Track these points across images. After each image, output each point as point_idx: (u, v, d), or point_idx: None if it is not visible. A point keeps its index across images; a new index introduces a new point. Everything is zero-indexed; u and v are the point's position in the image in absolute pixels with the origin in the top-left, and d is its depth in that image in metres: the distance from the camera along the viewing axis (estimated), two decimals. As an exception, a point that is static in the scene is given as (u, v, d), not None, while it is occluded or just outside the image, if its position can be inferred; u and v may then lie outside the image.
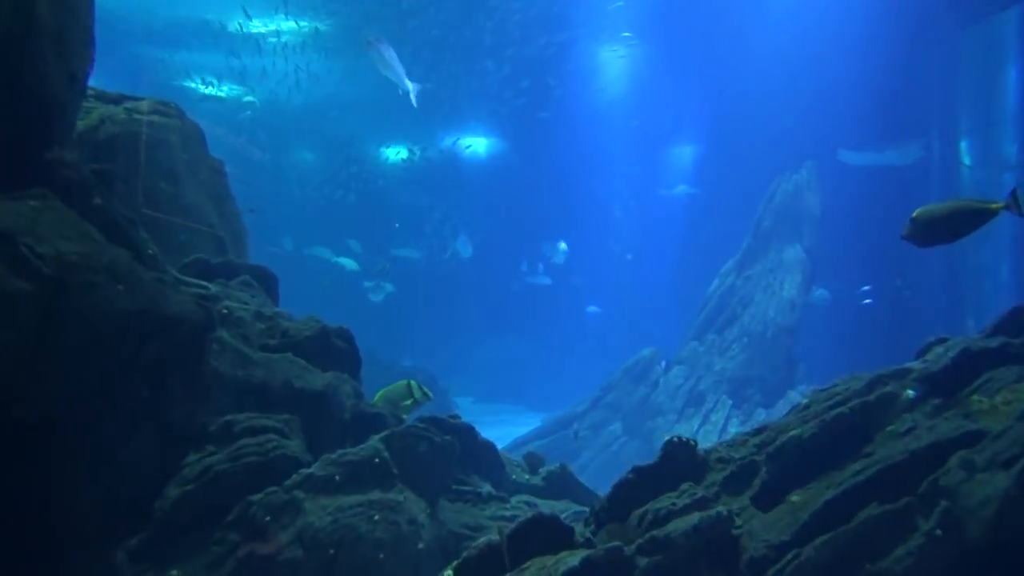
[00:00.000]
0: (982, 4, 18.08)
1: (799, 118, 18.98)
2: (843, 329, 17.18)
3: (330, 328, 6.27)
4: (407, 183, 30.19)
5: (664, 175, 26.40)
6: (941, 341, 5.94)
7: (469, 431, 7.88)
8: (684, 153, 26.64)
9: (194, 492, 4.68)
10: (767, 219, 16.31)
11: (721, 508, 4.45)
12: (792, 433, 4.86)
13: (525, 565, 4.00)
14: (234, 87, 25.36)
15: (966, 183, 21.39)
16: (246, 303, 6.00)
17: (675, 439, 4.95)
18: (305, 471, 5.34)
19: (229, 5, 19.26)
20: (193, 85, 25.33)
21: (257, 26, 20.35)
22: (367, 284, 21.82)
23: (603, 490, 13.15)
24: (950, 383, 5.01)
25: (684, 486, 4.75)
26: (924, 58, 19.23)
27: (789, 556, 4.20)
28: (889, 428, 4.82)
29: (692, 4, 19.03)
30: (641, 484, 4.81)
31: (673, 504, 4.57)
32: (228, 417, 5.07)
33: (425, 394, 8.00)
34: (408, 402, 7.78)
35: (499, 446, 17.27)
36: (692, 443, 4.99)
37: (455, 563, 3.96)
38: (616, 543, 4.12)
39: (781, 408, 13.95)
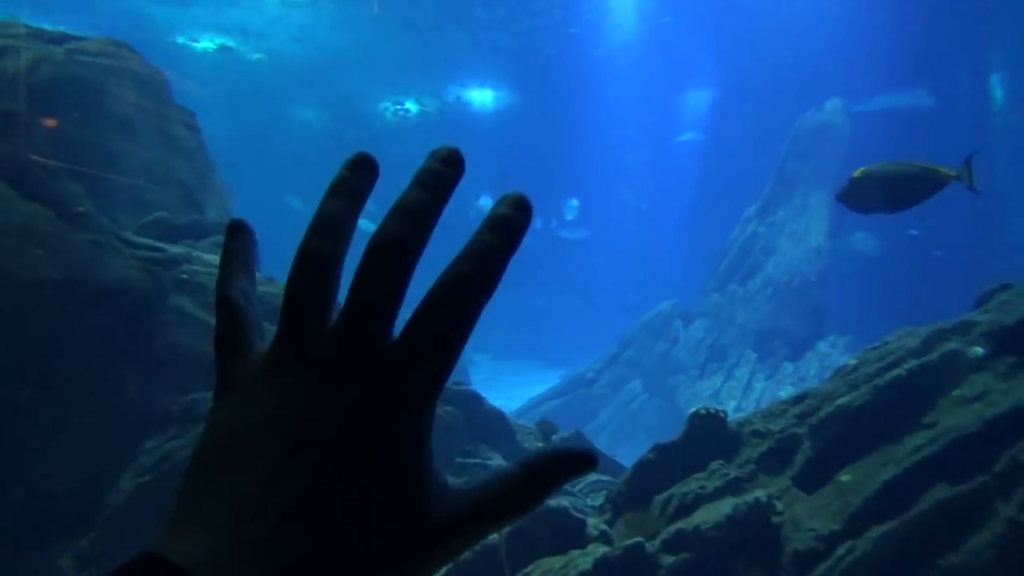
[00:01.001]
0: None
1: (820, 58, 17.89)
2: (872, 278, 16.35)
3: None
4: (415, 137, 29.36)
5: (679, 121, 25.36)
6: (1006, 287, 5.20)
7: (474, 399, 7.28)
8: (700, 98, 25.53)
9: (152, 483, 4.10)
10: (791, 162, 15.35)
11: (759, 493, 3.80)
12: (840, 401, 4.18)
13: (528, 569, 3.38)
14: (233, 42, 24.46)
15: (997, 124, 20.24)
16: (216, 265, 5.34)
17: (702, 411, 4.28)
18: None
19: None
20: (191, 43, 24.49)
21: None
22: None
23: (622, 452, 12.54)
24: (1025, 337, 4.29)
25: (714, 465, 4.10)
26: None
27: (841, 550, 3.55)
28: (955, 393, 4.12)
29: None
30: (664, 464, 4.17)
31: (702, 487, 3.93)
32: (194, 395, 4.46)
33: None
34: None
35: (516, 405, 16.84)
36: (722, 414, 4.32)
37: (443, 570, 3.34)
38: (636, 540, 3.48)
39: (810, 361, 13.26)
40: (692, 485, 3.94)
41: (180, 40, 24.51)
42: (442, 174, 0.53)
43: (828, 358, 13.29)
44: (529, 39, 22.28)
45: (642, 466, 4.16)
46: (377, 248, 0.50)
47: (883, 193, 4.23)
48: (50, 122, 4.85)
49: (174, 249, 4.97)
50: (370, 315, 0.49)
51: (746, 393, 13.17)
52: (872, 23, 17.23)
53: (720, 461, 4.14)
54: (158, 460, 4.20)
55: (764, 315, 14.19)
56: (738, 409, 12.92)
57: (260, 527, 0.43)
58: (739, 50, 20.79)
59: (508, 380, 22.79)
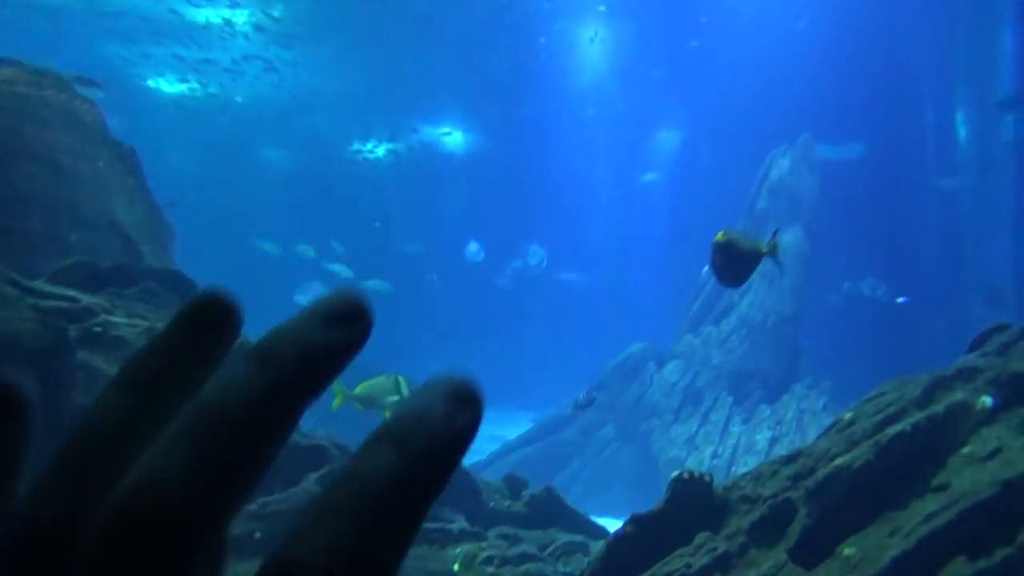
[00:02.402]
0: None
1: (788, 97, 17.99)
2: (840, 321, 16.20)
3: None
4: (384, 178, 29.13)
5: (649, 161, 25.39)
6: (1002, 328, 4.85)
7: (436, 455, 6.72)
8: (670, 138, 25.62)
9: None
10: (762, 199, 15.18)
11: (751, 573, 3.30)
12: (838, 461, 3.72)
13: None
14: (197, 84, 24.03)
15: (963, 159, 20.42)
16: (143, 317, 4.79)
17: (685, 475, 3.80)
18: (213, 529, 4.14)
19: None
20: (158, 83, 24.12)
21: (212, 14, 19.00)
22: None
23: (597, 504, 11.93)
24: (1038, 387, 3.89)
25: (700, 538, 3.60)
26: (915, 24, 18.19)
27: (851, 639, 3.07)
28: (965, 450, 3.69)
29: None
30: (643, 538, 3.66)
31: (688, 566, 3.42)
32: (101, 467, 3.86)
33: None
34: (395, 398, 6.74)
35: (486, 451, 16.19)
36: (707, 479, 3.84)
37: None
38: (613, 636, 2.96)
39: (787, 404, 12.87)
40: (676, 564, 3.43)
41: (149, 82, 24.15)
42: (310, 345, 0.28)
43: (805, 400, 12.93)
44: (499, 80, 22.17)
45: (618, 542, 3.65)
46: (131, 515, 0.24)
47: (738, 265, 3.84)
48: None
49: (90, 299, 4.42)
50: None
51: (723, 438, 12.71)
52: (836, 63, 17.32)
53: (707, 533, 3.65)
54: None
55: (739, 356, 13.82)
56: (715, 455, 12.44)
57: None
58: (707, 92, 20.91)
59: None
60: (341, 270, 21.70)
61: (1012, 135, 19.33)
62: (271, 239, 24.31)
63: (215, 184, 29.45)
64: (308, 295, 14.60)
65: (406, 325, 26.52)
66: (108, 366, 4.06)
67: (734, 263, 3.79)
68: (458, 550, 5.93)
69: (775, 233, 4.02)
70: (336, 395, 6.53)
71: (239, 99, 25.04)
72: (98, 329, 4.16)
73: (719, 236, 3.80)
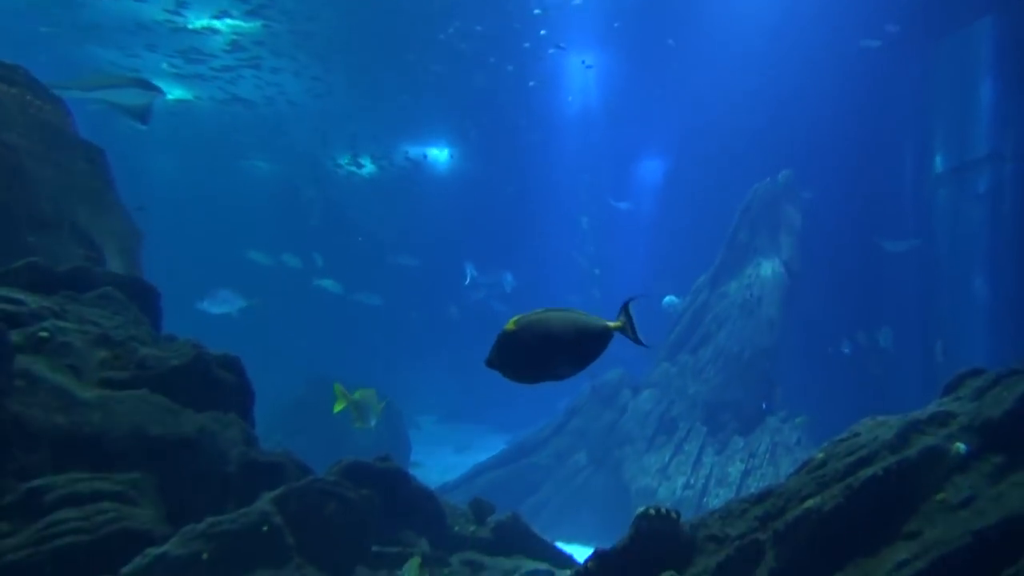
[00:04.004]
0: (955, 13, 17.27)
1: (772, 133, 18.10)
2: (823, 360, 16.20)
3: (210, 355, 4.86)
4: (369, 193, 29.04)
5: (632, 188, 25.48)
6: (976, 373, 4.77)
7: (400, 477, 6.52)
8: (654, 166, 25.74)
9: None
10: (743, 231, 15.19)
11: (716, 618, 3.16)
12: (808, 503, 3.60)
13: None
14: (186, 91, 23.79)
15: (940, 205, 20.57)
16: (96, 323, 4.59)
17: (651, 511, 3.66)
18: (156, 550, 3.95)
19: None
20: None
21: (203, 23, 18.80)
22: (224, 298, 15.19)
23: (566, 531, 11.77)
24: (1013, 433, 3.79)
25: (664, 577, 3.46)
26: (896, 71, 18.38)
27: None
28: (938, 497, 3.58)
29: (661, 15, 17.93)
30: (607, 574, 3.51)
31: (649, 608, 3.28)
32: (37, 482, 3.66)
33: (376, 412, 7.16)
34: (382, 404, 6.97)
35: (458, 473, 16.03)
36: (674, 515, 3.70)
37: None
38: None
39: (760, 436, 12.79)
40: (637, 605, 3.28)
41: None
42: None
43: (779, 434, 12.87)
44: (486, 97, 22.15)
45: (579, 579, 3.49)
46: None
47: (545, 354, 3.17)
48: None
49: (39, 302, 4.23)
50: None
51: (695, 469, 12.59)
52: (818, 104, 17.40)
53: (672, 572, 3.51)
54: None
55: (714, 387, 13.74)
56: (687, 486, 12.33)
57: None
58: (694, 120, 20.98)
59: (453, 444, 21.94)
60: (330, 285, 21.42)
61: (988, 186, 19.47)
62: (261, 250, 24.00)
63: (204, 193, 29.23)
64: (215, 302, 13.23)
65: (394, 339, 26.35)
66: (52, 374, 3.87)
67: (570, 347, 3.14)
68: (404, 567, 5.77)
69: (626, 305, 3.37)
70: (338, 398, 6.49)
71: (228, 108, 24.84)
72: (45, 334, 3.97)
73: (510, 324, 3.10)
